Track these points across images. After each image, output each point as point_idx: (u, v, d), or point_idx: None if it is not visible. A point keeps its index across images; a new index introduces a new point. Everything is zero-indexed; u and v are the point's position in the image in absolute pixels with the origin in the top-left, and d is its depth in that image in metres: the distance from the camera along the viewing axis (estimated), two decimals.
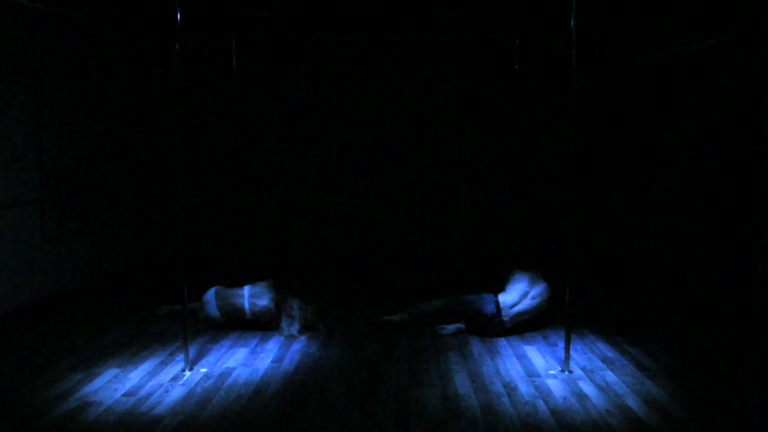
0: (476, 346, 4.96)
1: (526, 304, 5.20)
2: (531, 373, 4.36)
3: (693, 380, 4.23)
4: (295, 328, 5.14)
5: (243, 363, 4.58)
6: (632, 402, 3.87)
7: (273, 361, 4.62)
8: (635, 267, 7.81)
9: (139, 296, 6.56)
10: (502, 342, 5.06)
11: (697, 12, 6.00)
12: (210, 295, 5.36)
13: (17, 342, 5.05)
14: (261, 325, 5.31)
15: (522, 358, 4.69)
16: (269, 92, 8.47)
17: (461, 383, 4.18)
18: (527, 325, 5.25)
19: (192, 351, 4.67)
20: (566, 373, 4.34)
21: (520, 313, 5.18)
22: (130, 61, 8.02)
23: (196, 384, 4.16)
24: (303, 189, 8.56)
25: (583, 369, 4.43)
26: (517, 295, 5.24)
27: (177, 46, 4.23)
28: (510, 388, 4.09)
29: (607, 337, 5.17)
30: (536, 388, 4.10)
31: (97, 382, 4.17)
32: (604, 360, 4.62)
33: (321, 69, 8.44)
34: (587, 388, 4.10)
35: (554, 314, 5.39)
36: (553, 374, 4.34)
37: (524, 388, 4.09)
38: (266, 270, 7.94)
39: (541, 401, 3.88)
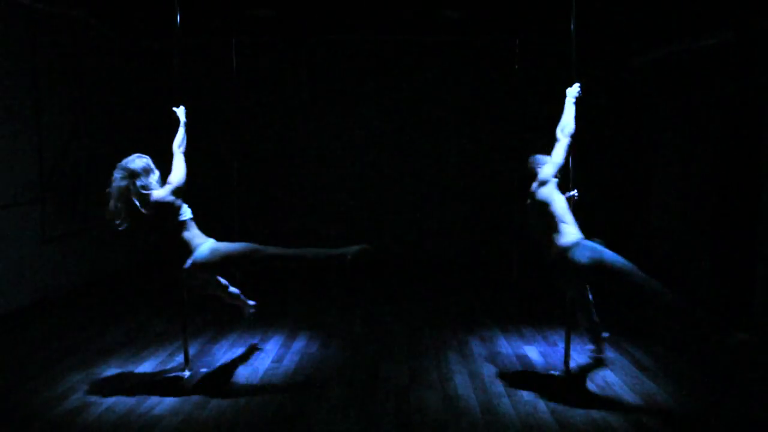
0: (476, 346, 4.96)
1: None
2: (531, 373, 4.36)
3: (693, 380, 4.23)
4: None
5: (243, 363, 4.58)
6: (632, 402, 3.87)
7: (273, 361, 4.62)
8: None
9: (139, 296, 6.56)
10: (502, 342, 5.06)
11: (697, 12, 6.00)
12: None
13: (17, 342, 5.05)
14: None
15: (522, 358, 4.69)
16: (269, 92, 8.47)
17: (461, 383, 4.18)
18: None
19: (192, 351, 4.66)
20: (566, 373, 4.33)
21: None
22: (130, 61, 8.02)
23: (197, 384, 4.16)
24: (303, 189, 8.56)
25: (583, 369, 4.43)
26: None
27: (177, 46, 4.23)
28: (510, 388, 4.09)
29: (608, 337, 5.16)
30: (536, 388, 4.10)
31: (97, 382, 4.17)
32: (605, 360, 4.62)
33: (321, 69, 8.44)
34: (587, 388, 4.09)
35: None
36: (553, 374, 4.33)
37: (524, 388, 4.09)
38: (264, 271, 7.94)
39: (541, 401, 3.88)
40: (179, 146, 4.25)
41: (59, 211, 6.54)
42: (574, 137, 4.22)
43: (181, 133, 4.30)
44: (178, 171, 4.08)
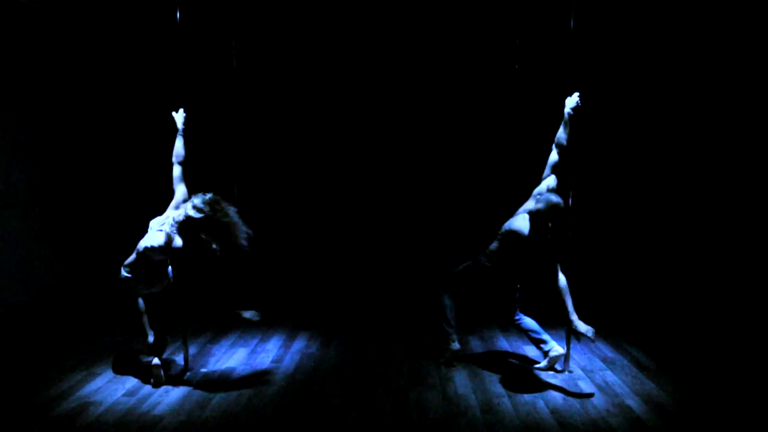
0: (476, 346, 4.96)
1: None
2: (531, 373, 4.36)
3: (693, 380, 4.23)
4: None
5: (243, 363, 4.58)
6: (632, 402, 3.87)
7: (273, 361, 4.62)
8: (636, 266, 7.80)
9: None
10: (503, 342, 5.06)
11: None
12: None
13: (17, 342, 5.05)
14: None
15: (522, 358, 4.69)
16: (269, 92, 8.46)
17: (461, 383, 4.18)
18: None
19: (192, 351, 4.67)
20: (566, 373, 4.34)
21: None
22: (130, 61, 8.01)
23: (197, 384, 4.16)
24: (302, 189, 8.55)
25: (583, 369, 4.43)
26: None
27: (177, 46, 4.24)
28: (510, 389, 4.09)
29: (607, 337, 5.17)
30: (536, 388, 4.10)
31: (97, 382, 4.17)
32: (604, 360, 4.62)
33: (321, 68, 8.43)
34: (587, 388, 4.09)
35: None
36: (553, 374, 4.34)
37: (524, 388, 4.09)
38: (265, 271, 7.94)
39: (541, 401, 3.88)
40: (177, 158, 4.15)
41: (59, 211, 6.54)
42: (565, 152, 4.32)
43: (178, 143, 4.17)
44: (180, 189, 4.09)
